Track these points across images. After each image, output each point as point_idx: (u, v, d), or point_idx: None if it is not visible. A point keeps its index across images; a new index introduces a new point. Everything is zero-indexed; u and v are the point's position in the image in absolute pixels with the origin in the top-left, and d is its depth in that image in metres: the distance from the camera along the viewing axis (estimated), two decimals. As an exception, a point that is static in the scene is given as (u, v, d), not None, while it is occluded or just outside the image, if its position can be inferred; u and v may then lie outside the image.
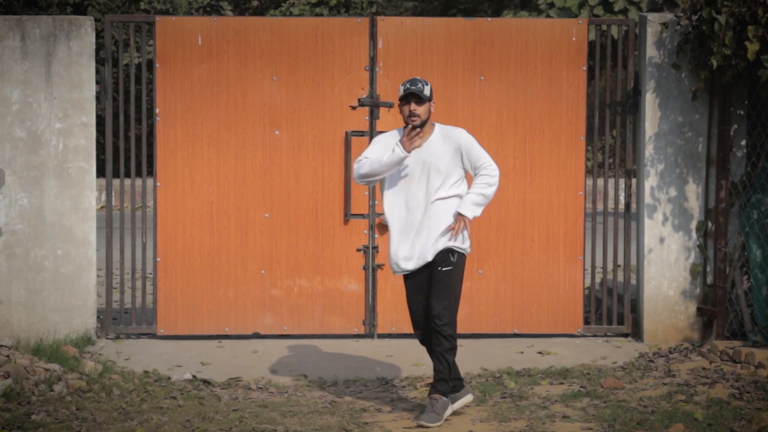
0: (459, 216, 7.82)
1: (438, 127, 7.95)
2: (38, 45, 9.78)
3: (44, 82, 9.79)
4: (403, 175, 7.90)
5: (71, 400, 8.35)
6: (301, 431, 7.74)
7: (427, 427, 7.78)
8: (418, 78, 7.89)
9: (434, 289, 7.85)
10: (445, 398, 7.92)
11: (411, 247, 7.89)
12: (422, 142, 7.83)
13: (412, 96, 7.79)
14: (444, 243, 7.84)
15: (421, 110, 7.79)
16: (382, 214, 7.93)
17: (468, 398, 8.16)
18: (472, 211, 7.84)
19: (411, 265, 7.92)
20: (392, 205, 7.96)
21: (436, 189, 7.85)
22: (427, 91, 7.81)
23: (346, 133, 10.06)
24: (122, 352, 9.71)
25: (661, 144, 9.99)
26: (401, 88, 7.82)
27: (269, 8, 24.81)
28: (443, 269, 7.84)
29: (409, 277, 7.98)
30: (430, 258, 7.85)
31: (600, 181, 11.35)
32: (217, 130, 10.05)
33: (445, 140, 7.88)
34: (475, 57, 10.08)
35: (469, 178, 7.98)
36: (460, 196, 7.89)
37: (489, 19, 10.18)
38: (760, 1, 9.12)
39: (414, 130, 7.78)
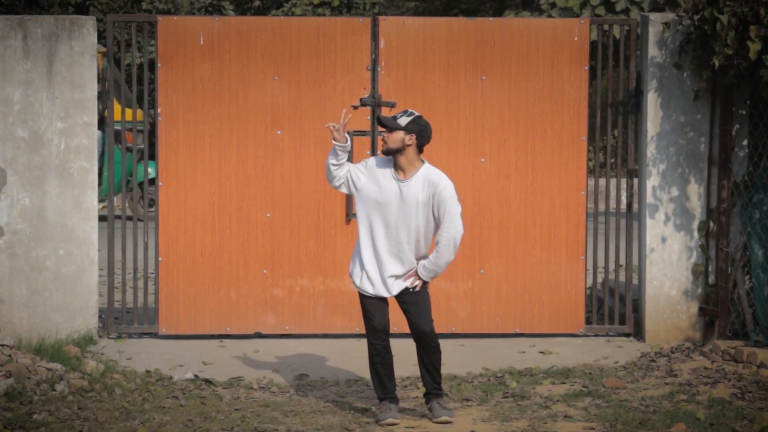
0: (417, 275, 8.05)
1: (426, 167, 7.99)
2: (40, 45, 9.78)
3: (46, 82, 9.79)
4: (382, 202, 7.96)
5: (73, 400, 8.35)
6: (303, 431, 7.75)
7: (451, 421, 8.00)
8: (409, 110, 8.03)
9: (413, 308, 8.07)
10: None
11: (378, 274, 8.03)
12: (340, 136, 8.03)
13: (379, 124, 7.99)
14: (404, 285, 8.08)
15: (393, 137, 7.89)
16: None
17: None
18: (427, 277, 8.04)
19: (377, 291, 8.05)
20: (369, 226, 8.03)
21: (410, 227, 7.94)
22: (403, 122, 7.89)
23: (348, 133, 10.03)
24: (124, 352, 9.71)
25: (663, 144, 9.98)
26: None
27: (271, 8, 24.79)
28: (414, 289, 8.06)
29: (369, 296, 8.11)
30: (393, 293, 8.06)
31: (602, 181, 11.36)
32: (218, 129, 10.05)
33: (425, 183, 7.94)
34: (477, 57, 10.08)
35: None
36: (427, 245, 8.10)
37: (491, 19, 10.18)
38: (762, 0, 9.12)
39: (344, 119, 8.05)
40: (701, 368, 9.21)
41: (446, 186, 7.91)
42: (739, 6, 9.20)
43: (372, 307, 8.07)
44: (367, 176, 8.00)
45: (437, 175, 7.94)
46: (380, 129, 7.91)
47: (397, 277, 8.02)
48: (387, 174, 7.95)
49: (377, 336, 8.11)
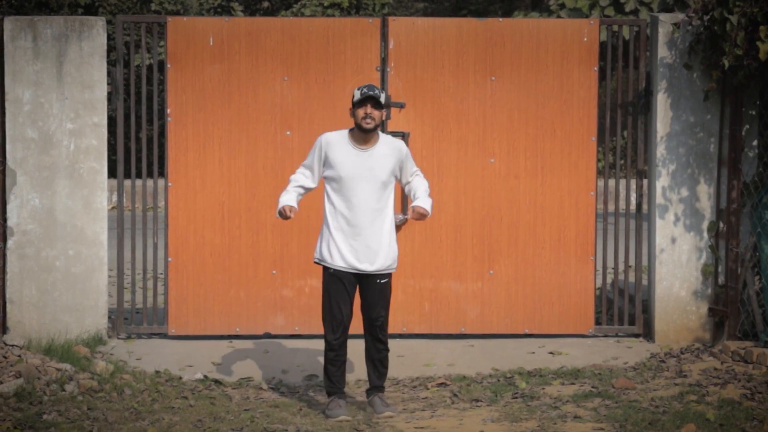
0: (421, 211, 8.16)
1: (382, 136, 8.19)
2: (50, 45, 9.80)
3: (56, 83, 9.80)
4: (348, 177, 8.04)
5: (83, 400, 8.36)
6: (312, 431, 7.75)
7: (393, 416, 8.09)
8: (375, 85, 8.16)
9: (377, 298, 8.14)
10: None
11: (353, 248, 8.08)
12: (292, 215, 8.17)
13: (370, 99, 8.02)
14: (387, 264, 8.13)
15: (376, 114, 8.05)
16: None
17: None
18: (430, 207, 8.25)
19: (359, 265, 8.09)
20: (336, 204, 8.10)
21: (378, 195, 8.06)
22: (383, 98, 8.08)
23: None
24: (133, 352, 9.73)
25: (673, 144, 9.97)
26: (358, 92, 8.04)
27: (280, 9, 24.82)
28: (382, 281, 8.15)
29: (337, 277, 8.11)
30: (375, 267, 8.09)
31: (611, 182, 11.33)
32: (228, 130, 10.06)
33: (392, 149, 8.14)
34: (486, 57, 10.08)
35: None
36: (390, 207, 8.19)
37: (500, 19, 10.18)
38: (771, 1, 9.12)
39: (288, 214, 8.13)
40: (711, 369, 9.20)
41: (405, 145, 8.28)
42: (749, 6, 9.19)
43: (338, 297, 8.12)
44: (329, 154, 8.09)
45: (393, 139, 8.25)
46: (369, 109, 7.98)
47: (372, 250, 8.06)
48: (346, 149, 8.09)
49: (336, 333, 8.15)
